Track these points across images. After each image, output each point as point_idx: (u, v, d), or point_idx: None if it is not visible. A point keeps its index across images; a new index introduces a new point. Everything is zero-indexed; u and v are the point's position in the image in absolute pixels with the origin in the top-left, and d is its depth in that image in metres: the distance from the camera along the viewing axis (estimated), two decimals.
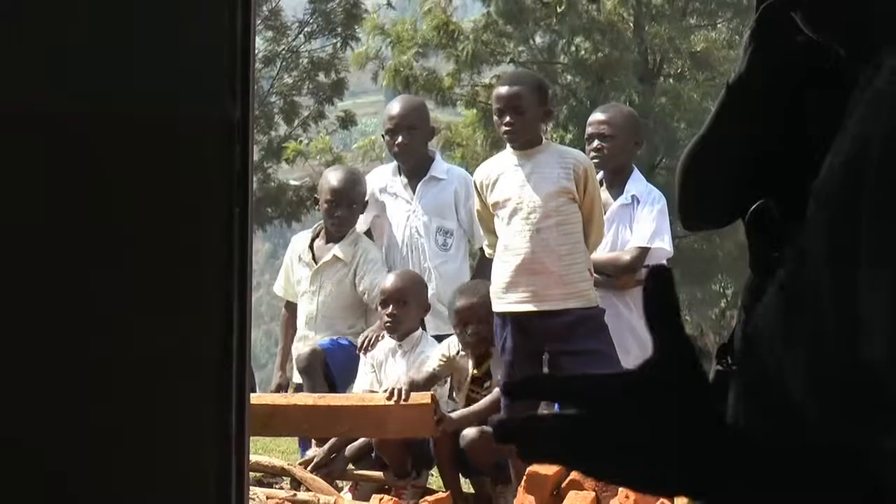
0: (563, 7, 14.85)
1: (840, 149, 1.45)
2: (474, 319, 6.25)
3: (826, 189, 1.44)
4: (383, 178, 7.12)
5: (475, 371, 6.38)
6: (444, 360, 6.36)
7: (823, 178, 1.46)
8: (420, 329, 6.51)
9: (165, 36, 3.39)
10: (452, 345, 6.39)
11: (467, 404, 6.34)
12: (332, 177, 6.93)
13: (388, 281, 6.46)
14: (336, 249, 6.74)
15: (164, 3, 3.38)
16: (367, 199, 6.86)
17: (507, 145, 6.32)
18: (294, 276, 6.94)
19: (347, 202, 6.74)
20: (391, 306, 6.41)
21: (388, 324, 6.45)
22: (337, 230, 6.77)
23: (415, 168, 6.91)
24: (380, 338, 6.56)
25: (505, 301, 6.15)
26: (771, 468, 1.34)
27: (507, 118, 6.20)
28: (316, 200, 7.09)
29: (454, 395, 6.44)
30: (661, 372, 1.36)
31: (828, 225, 1.42)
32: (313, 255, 6.86)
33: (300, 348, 6.71)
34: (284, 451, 7.20)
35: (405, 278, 6.49)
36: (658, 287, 1.35)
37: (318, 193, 7.12)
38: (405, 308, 6.41)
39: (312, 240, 6.93)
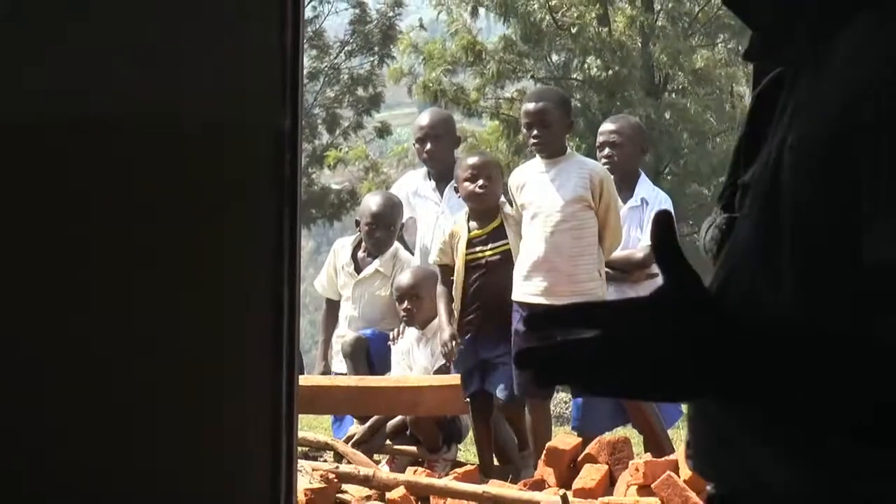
0: (575, 29, 14.83)
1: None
2: (483, 174, 6.30)
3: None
4: (414, 182, 7.13)
5: (478, 231, 6.42)
6: (442, 245, 6.46)
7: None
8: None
9: (226, 56, 3.41)
10: (446, 229, 6.49)
11: (466, 264, 6.37)
12: (372, 202, 6.94)
13: (403, 279, 6.48)
14: (377, 264, 6.74)
15: (224, 28, 3.40)
16: (403, 220, 6.87)
17: (536, 155, 6.34)
18: (338, 281, 6.93)
19: (385, 224, 6.75)
20: (406, 301, 6.44)
21: (405, 317, 6.49)
22: (377, 250, 6.76)
23: (442, 173, 6.90)
24: (404, 331, 6.58)
25: (521, 291, 6.17)
26: (779, 359, 1.36)
27: (535, 131, 6.24)
28: (357, 223, 7.07)
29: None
30: (670, 294, 1.40)
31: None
32: (356, 265, 6.86)
33: (344, 339, 6.73)
34: (327, 429, 7.21)
35: (417, 275, 6.49)
36: (662, 230, 1.40)
37: (359, 216, 7.10)
38: (419, 301, 6.43)
39: (354, 249, 6.93)
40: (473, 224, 6.40)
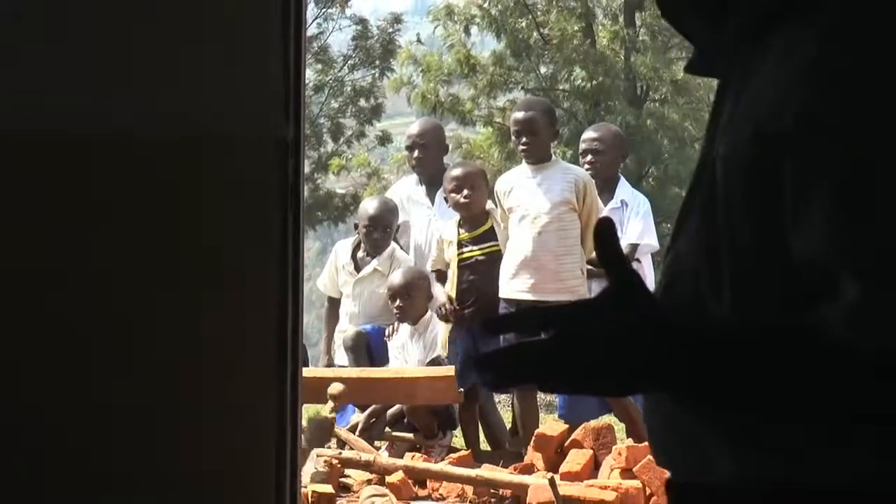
0: (557, 41, 14.82)
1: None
2: (467, 185, 6.31)
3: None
4: (407, 188, 7.13)
5: (466, 235, 6.44)
6: (437, 252, 6.56)
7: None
8: (429, 312, 6.53)
9: (232, 71, 3.41)
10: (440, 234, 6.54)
11: (459, 264, 6.43)
12: (370, 206, 6.94)
13: (395, 279, 6.48)
14: (375, 263, 6.73)
15: (232, 46, 3.40)
16: (399, 222, 6.86)
17: (523, 160, 6.34)
18: (339, 280, 6.93)
19: (382, 226, 6.74)
20: (398, 300, 6.45)
21: (398, 314, 6.49)
22: (374, 250, 6.75)
23: (432, 179, 6.90)
24: (398, 327, 6.59)
25: (509, 289, 6.18)
26: (717, 353, 1.37)
27: (524, 138, 6.26)
28: (356, 225, 7.07)
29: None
30: (613, 295, 1.44)
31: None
32: (355, 265, 6.86)
33: (345, 333, 6.73)
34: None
35: (408, 275, 6.50)
36: (606, 236, 1.43)
37: (357, 219, 7.11)
38: (410, 300, 6.44)
39: (354, 249, 6.93)
40: (463, 229, 6.42)
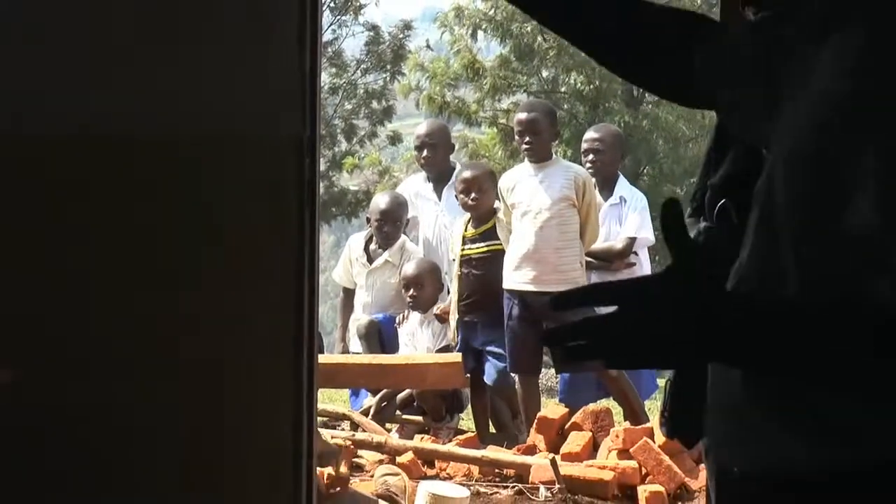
0: (554, 51, 14.80)
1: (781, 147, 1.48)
2: (475, 187, 6.32)
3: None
4: (415, 185, 7.14)
5: (473, 231, 6.46)
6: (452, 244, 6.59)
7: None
8: (439, 301, 6.55)
9: (252, 75, 3.42)
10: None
11: (461, 260, 6.45)
12: (381, 201, 6.93)
13: (408, 269, 6.49)
14: (387, 255, 6.73)
15: (250, 50, 3.41)
16: (408, 216, 6.86)
17: (526, 159, 6.35)
18: (353, 271, 6.94)
19: (392, 220, 6.74)
20: (412, 289, 6.46)
21: (410, 303, 6.50)
22: (386, 243, 6.75)
23: (439, 176, 6.92)
24: (408, 315, 6.60)
25: (512, 280, 6.18)
26: (780, 327, 1.36)
27: (527, 138, 6.25)
28: (368, 219, 7.07)
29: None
30: (677, 269, 1.40)
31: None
32: (368, 257, 6.86)
33: (359, 322, 6.74)
34: (345, 401, 7.22)
35: (420, 266, 6.51)
36: (671, 214, 1.41)
37: (369, 214, 7.10)
38: (422, 290, 6.45)
39: (367, 242, 6.93)
40: (471, 226, 6.44)
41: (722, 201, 2.77)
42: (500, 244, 6.32)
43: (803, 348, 1.35)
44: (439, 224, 6.83)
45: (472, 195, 6.33)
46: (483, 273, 6.35)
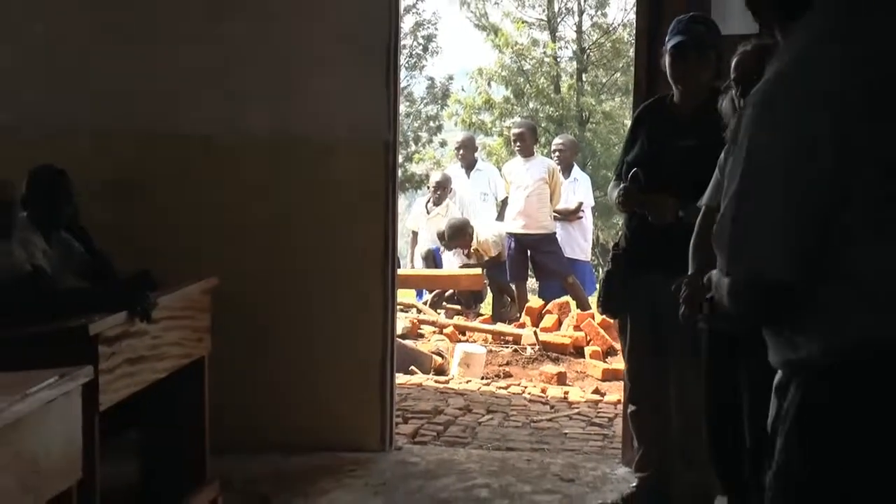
0: (537, 90, 14.61)
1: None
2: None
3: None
4: (455, 171, 7.04)
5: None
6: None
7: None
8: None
9: (361, 105, 3.36)
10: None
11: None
12: (435, 177, 6.89)
13: (441, 225, 6.31)
14: (438, 210, 6.59)
15: (361, 92, 3.35)
16: (451, 188, 6.71)
17: (518, 155, 6.24)
18: (419, 221, 6.82)
19: (442, 188, 6.64)
20: (446, 239, 6.24)
21: (444, 243, 6.25)
22: (437, 203, 6.65)
23: (468, 165, 6.83)
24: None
25: (511, 226, 6.11)
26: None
27: (518, 144, 6.16)
28: (429, 187, 6.96)
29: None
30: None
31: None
32: (427, 211, 6.76)
33: (421, 250, 6.67)
34: (413, 297, 7.14)
35: (449, 224, 6.26)
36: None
37: (429, 185, 7.00)
38: (450, 241, 6.15)
39: (426, 203, 6.83)
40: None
41: (634, 170, 2.73)
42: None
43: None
44: (469, 195, 6.73)
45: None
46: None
